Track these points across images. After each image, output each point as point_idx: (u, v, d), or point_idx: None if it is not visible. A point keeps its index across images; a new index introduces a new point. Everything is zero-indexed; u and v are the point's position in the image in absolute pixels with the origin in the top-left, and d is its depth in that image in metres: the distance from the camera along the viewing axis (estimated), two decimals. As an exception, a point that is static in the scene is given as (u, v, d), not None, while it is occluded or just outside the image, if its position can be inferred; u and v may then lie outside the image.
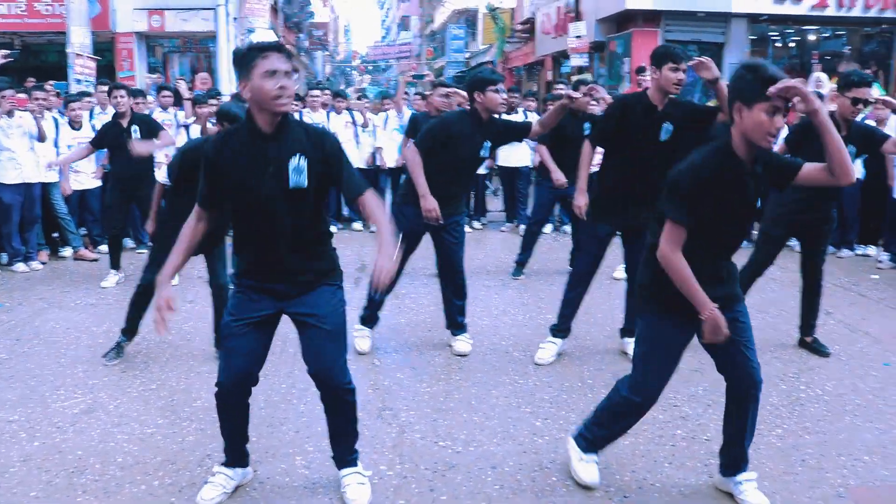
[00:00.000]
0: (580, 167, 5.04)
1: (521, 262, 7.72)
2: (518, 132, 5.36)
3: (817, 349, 5.30)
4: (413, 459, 3.75)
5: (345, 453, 3.43)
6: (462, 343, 5.31)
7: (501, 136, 5.20)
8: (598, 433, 3.49)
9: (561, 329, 5.22)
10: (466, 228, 9.86)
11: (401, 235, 5.01)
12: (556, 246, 9.01)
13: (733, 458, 3.38)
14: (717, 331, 3.04)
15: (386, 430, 4.08)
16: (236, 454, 3.40)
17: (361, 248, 8.43)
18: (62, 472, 3.61)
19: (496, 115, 5.12)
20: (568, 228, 8.92)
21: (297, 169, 2.98)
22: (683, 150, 3.27)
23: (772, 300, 6.47)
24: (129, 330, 5.18)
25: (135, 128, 7.15)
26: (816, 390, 4.68)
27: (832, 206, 5.26)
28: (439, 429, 4.10)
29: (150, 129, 7.24)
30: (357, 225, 10.18)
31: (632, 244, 4.96)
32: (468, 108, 5.05)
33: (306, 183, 2.99)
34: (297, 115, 9.38)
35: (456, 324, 5.36)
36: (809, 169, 3.06)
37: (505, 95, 5.08)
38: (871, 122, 8.38)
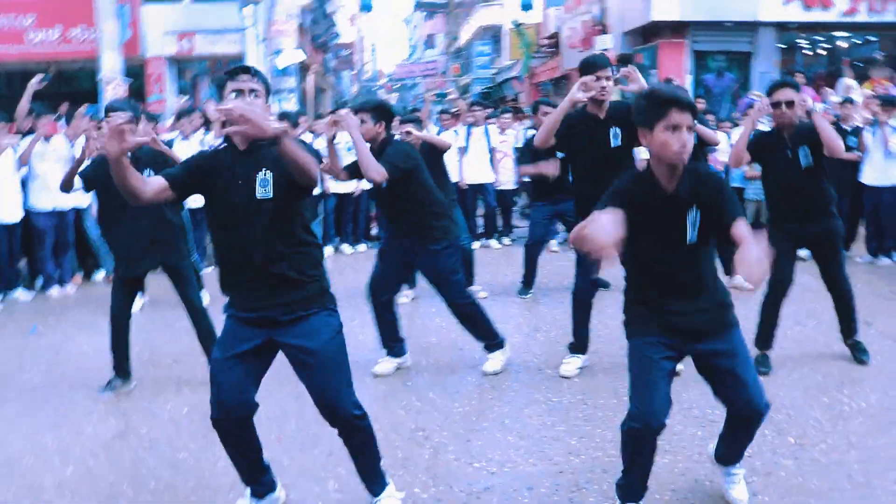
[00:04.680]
0: None
1: (526, 283, 7.48)
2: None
3: (857, 353, 5.18)
4: (447, 481, 3.68)
5: (372, 480, 3.32)
6: (489, 363, 5.20)
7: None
8: (623, 475, 3.28)
9: (578, 347, 5.18)
10: (495, 245, 9.94)
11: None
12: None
13: (725, 458, 3.44)
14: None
15: (419, 451, 4.02)
16: (254, 482, 3.32)
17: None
18: (94, 498, 3.60)
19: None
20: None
21: (264, 182, 2.98)
22: None
23: (809, 311, 6.32)
24: (119, 367, 5.03)
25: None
26: (860, 403, 4.55)
27: (831, 216, 5.05)
28: (473, 449, 4.04)
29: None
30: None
31: None
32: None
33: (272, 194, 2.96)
34: (310, 137, 9.22)
35: (485, 345, 5.26)
36: (736, 234, 2.84)
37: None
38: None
